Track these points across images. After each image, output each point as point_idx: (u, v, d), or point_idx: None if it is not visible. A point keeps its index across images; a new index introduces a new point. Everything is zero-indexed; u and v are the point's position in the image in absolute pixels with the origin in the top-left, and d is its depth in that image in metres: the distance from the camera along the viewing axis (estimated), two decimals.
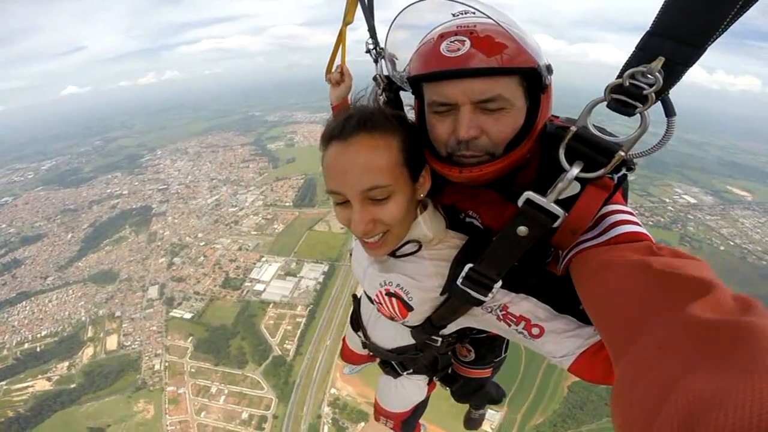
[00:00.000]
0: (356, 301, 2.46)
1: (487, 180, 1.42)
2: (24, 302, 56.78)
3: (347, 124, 1.32)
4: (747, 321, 0.60)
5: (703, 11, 0.80)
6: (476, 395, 2.99)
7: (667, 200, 75.05)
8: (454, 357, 2.65)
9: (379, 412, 2.84)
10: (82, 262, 64.64)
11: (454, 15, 1.33)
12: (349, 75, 2.48)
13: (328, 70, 2.53)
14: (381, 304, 1.69)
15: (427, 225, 1.49)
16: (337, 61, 2.52)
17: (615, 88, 0.94)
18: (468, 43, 1.24)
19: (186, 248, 64.47)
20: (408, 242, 1.54)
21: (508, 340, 2.62)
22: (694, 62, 0.86)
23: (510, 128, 1.31)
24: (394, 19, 1.43)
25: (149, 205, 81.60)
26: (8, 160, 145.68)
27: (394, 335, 2.07)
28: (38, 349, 48.79)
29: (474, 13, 1.28)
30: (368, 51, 2.24)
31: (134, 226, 73.97)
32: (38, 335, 50.73)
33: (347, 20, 2.29)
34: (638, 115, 0.95)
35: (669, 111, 0.95)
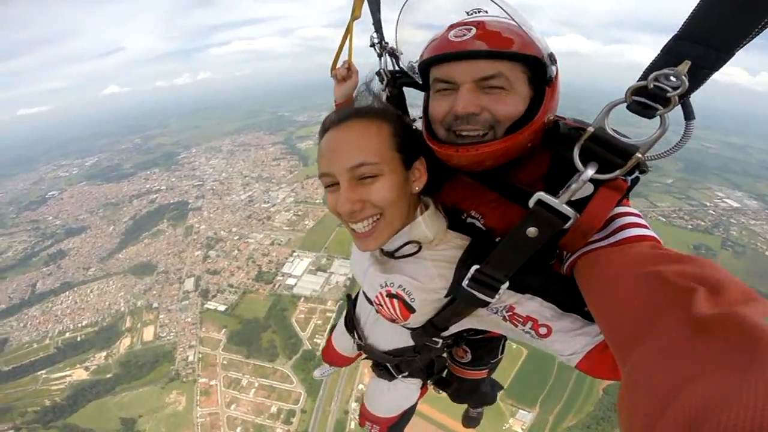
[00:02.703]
0: (351, 302, 2.36)
1: (485, 163, 1.36)
2: (67, 292, 57.22)
3: (341, 114, 1.38)
4: (744, 317, 0.59)
5: (734, 17, 0.77)
6: (472, 396, 2.94)
7: (708, 204, 69.47)
8: (450, 358, 2.60)
9: (366, 417, 2.68)
10: (122, 254, 64.88)
11: (468, 13, 1.34)
12: (356, 71, 2.23)
13: (334, 66, 2.29)
14: (381, 305, 1.62)
15: (428, 225, 1.44)
16: (344, 56, 2.30)
17: (637, 90, 0.90)
18: (474, 30, 1.27)
19: (221, 242, 63.86)
20: (408, 243, 1.47)
21: (504, 342, 2.55)
22: (720, 67, 0.83)
23: (512, 109, 1.28)
24: (399, 14, 1.48)
25: (186, 200, 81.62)
26: (54, 156, 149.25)
27: (392, 337, 2.00)
28: (78, 339, 48.90)
29: (486, 12, 1.31)
30: (373, 45, 2.09)
31: (172, 219, 74.03)
32: (79, 325, 50.90)
33: (355, 15, 2.12)
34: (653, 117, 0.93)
35: (689, 114, 0.92)
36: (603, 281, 1.02)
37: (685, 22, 0.83)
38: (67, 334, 49.66)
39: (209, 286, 53.90)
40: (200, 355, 44.29)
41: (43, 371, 44.89)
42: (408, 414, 2.72)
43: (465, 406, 3.82)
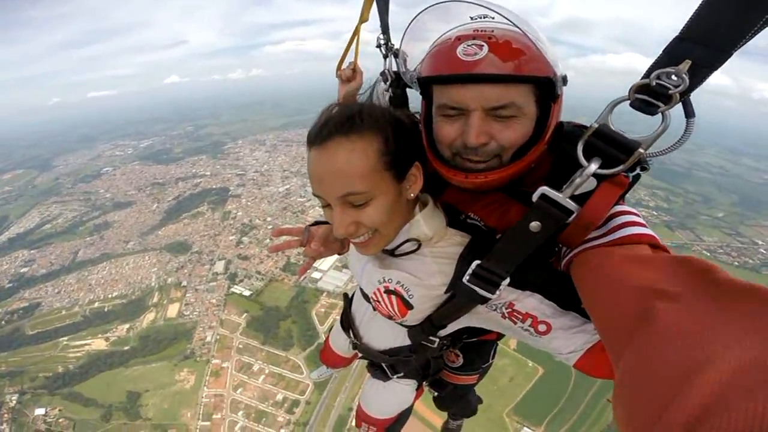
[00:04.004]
0: (347, 300, 2.29)
1: (493, 186, 1.36)
2: (105, 263, 58.00)
3: (324, 128, 1.24)
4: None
5: (731, 20, 0.80)
6: (459, 402, 2.86)
7: (760, 242, 61.18)
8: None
9: (362, 418, 2.56)
10: (161, 231, 65.56)
11: (472, 18, 1.28)
12: (361, 73, 2.22)
13: (339, 66, 2.28)
14: (379, 302, 1.56)
15: (427, 223, 1.40)
16: (350, 57, 2.29)
17: (640, 88, 0.91)
18: (486, 48, 1.18)
19: (255, 229, 63.48)
20: (407, 241, 1.43)
21: (496, 346, 2.56)
22: (719, 66, 0.85)
23: (520, 135, 1.25)
24: (414, 18, 1.37)
25: (227, 187, 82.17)
26: (114, 136, 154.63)
27: (388, 336, 1.94)
28: (105, 309, 49.00)
29: (493, 18, 1.24)
30: (379, 46, 2.08)
31: (212, 204, 74.37)
32: (109, 296, 51.13)
33: (363, 18, 2.12)
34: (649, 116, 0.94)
35: (689, 112, 0.92)
36: (599, 279, 1.00)
37: (686, 24, 0.85)
38: (96, 304, 49.91)
39: (238, 270, 53.52)
40: (218, 337, 43.69)
41: (65, 338, 45.05)
42: (404, 416, 2.55)
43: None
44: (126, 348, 43.02)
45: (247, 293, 49.33)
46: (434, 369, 2.26)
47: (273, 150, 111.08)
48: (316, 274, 50.88)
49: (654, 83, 0.88)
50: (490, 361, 2.60)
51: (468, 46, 1.19)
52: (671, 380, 0.57)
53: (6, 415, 36.40)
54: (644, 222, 1.13)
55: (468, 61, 1.17)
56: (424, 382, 2.50)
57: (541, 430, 32.50)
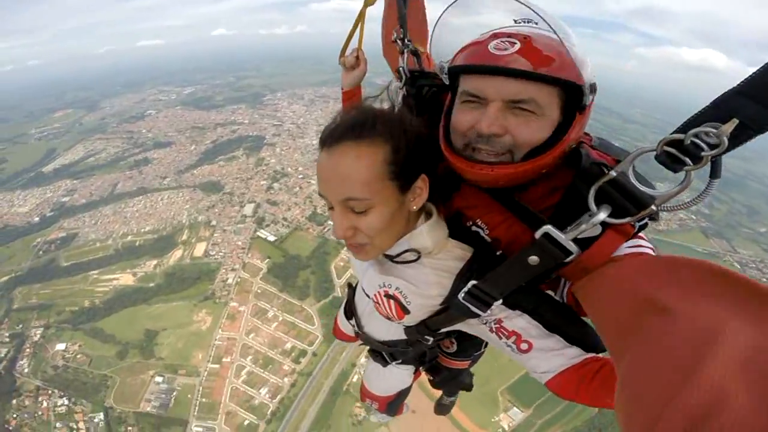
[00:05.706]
0: (351, 290, 2.23)
1: (498, 183, 1.26)
2: (141, 197, 58.05)
3: (336, 131, 1.20)
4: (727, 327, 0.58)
5: None
6: (452, 383, 2.92)
7: None
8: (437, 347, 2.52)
9: (365, 395, 2.76)
10: (197, 171, 65.26)
11: (516, 21, 1.22)
12: (365, 60, 2.12)
13: (342, 53, 2.15)
14: (378, 304, 1.57)
15: (429, 235, 1.34)
16: (354, 44, 2.18)
17: (671, 143, 0.81)
18: (518, 45, 1.13)
19: (286, 177, 62.11)
20: (408, 250, 1.38)
21: None
22: (766, 130, 0.74)
23: (535, 134, 1.16)
24: (446, 9, 1.33)
25: (263, 135, 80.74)
26: (159, 83, 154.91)
27: (387, 329, 1.94)
28: (137, 244, 48.87)
29: (537, 24, 1.17)
30: (395, 40, 1.98)
31: (247, 150, 73.30)
32: (142, 230, 50.96)
33: (368, 1, 1.99)
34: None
35: (716, 173, 0.81)
36: (601, 286, 1.01)
37: (750, 77, 0.73)
38: (129, 237, 49.75)
39: (266, 214, 52.52)
40: (239, 280, 42.90)
41: (96, 271, 44.80)
42: (404, 392, 2.70)
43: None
44: (151, 285, 42.59)
45: (272, 238, 48.17)
46: (430, 357, 2.30)
47: (310, 104, 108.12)
48: None
49: (689, 141, 0.77)
50: (482, 350, 2.49)
51: (501, 41, 1.14)
52: (671, 379, 0.55)
53: (28, 350, 36.39)
54: (651, 245, 1.10)
55: (497, 55, 1.13)
56: (421, 368, 2.53)
57: (530, 412, 32.04)
